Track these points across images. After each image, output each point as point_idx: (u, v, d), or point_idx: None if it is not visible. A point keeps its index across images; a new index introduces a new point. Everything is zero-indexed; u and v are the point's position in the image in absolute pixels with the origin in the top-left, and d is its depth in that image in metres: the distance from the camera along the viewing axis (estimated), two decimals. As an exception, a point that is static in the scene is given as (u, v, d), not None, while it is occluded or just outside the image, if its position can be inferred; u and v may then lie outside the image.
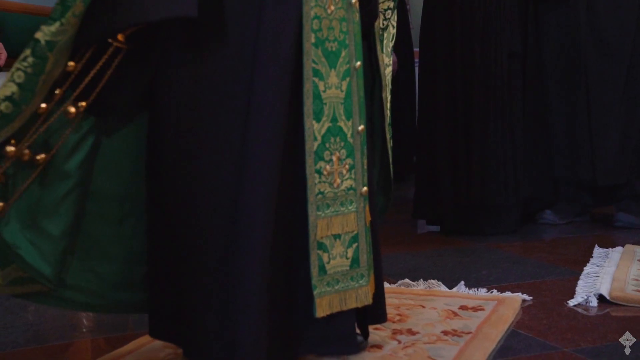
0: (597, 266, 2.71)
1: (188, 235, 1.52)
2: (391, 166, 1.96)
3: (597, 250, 2.97)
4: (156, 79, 1.52)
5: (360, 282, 1.69)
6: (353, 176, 1.67)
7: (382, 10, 1.82)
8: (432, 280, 2.52)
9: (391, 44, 1.89)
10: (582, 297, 2.29)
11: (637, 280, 2.49)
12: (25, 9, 3.36)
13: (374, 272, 1.75)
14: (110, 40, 1.44)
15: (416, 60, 5.27)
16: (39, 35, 1.37)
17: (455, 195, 3.49)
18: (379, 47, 1.83)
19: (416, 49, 4.95)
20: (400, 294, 2.35)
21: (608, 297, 2.29)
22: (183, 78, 1.51)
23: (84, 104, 1.45)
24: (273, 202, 1.52)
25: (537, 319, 2.13)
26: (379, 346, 1.85)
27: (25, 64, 1.36)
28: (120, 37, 1.44)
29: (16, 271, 1.50)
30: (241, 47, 1.52)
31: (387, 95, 1.87)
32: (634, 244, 3.11)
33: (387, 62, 1.88)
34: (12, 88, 1.36)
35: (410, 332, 1.96)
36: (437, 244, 3.32)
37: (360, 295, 1.69)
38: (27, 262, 1.47)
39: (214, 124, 1.52)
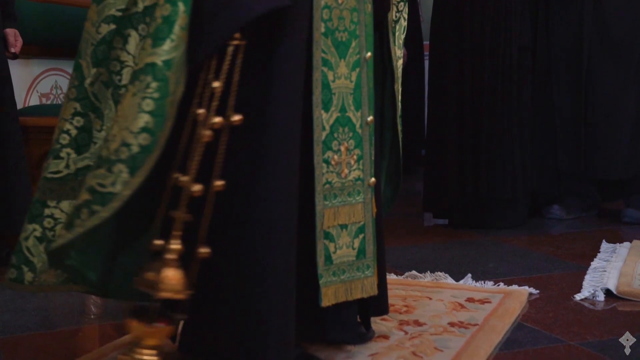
0: (605, 261, 2.70)
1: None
2: (401, 159, 1.96)
3: (605, 245, 2.97)
4: None
5: (366, 272, 1.69)
6: (361, 167, 1.67)
7: (395, 2, 1.82)
8: (439, 273, 2.52)
9: (403, 36, 1.89)
10: (589, 292, 2.30)
11: (644, 275, 2.49)
12: (39, -3, 3.38)
13: (378, 263, 1.76)
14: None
15: (426, 53, 5.27)
16: (152, 58, 1.34)
17: (463, 188, 3.49)
18: (391, 39, 1.83)
19: (426, 42, 4.95)
20: (407, 286, 2.35)
21: (615, 292, 2.29)
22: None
23: (237, 117, 1.43)
24: (293, 197, 1.51)
25: (544, 312, 2.13)
26: (385, 336, 1.85)
27: (149, 90, 1.34)
28: (236, 34, 1.43)
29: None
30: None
31: (399, 88, 1.86)
32: (641, 239, 3.11)
33: (399, 55, 1.88)
34: (144, 118, 1.33)
35: (417, 323, 1.97)
36: (444, 236, 3.33)
37: (366, 286, 1.69)
38: (75, 269, 1.50)
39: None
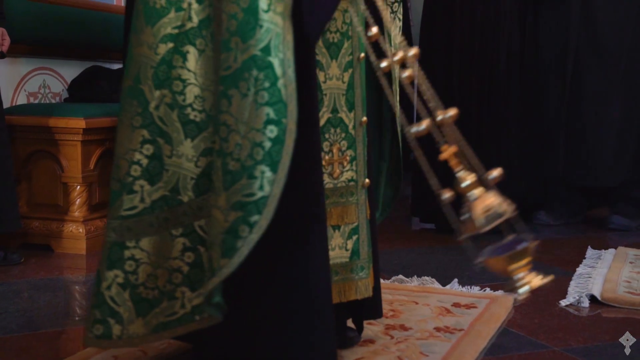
0: (590, 267, 2.72)
1: None
2: (401, 160, 1.95)
3: (590, 252, 2.99)
4: None
5: (360, 274, 1.68)
6: (354, 168, 1.66)
7: (390, 3, 1.82)
8: (425, 277, 2.53)
9: (399, 37, 1.89)
10: (574, 298, 2.31)
11: (628, 282, 2.51)
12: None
13: (373, 265, 1.76)
14: None
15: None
16: (249, 52, 1.32)
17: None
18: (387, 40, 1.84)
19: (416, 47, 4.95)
20: (394, 290, 2.36)
21: (600, 298, 2.30)
22: None
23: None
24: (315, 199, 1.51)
25: (529, 317, 2.14)
26: (371, 341, 1.85)
27: (259, 82, 1.31)
28: None
29: (160, 316, 1.47)
30: None
31: (397, 88, 1.86)
32: (626, 246, 3.12)
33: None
34: (265, 110, 1.30)
35: (403, 327, 1.97)
36: (431, 241, 3.33)
37: (360, 288, 1.69)
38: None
39: None
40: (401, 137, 1.91)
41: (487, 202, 1.40)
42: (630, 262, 2.80)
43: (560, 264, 2.83)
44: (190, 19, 1.44)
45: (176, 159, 1.45)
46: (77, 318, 2.14)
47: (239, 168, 1.31)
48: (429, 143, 3.72)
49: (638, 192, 3.73)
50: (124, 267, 1.46)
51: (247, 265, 1.35)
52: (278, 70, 1.32)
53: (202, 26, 1.44)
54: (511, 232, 1.43)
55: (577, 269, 2.70)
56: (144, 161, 1.45)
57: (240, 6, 1.33)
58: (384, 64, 1.51)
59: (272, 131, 1.30)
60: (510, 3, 3.49)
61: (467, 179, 1.42)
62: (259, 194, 1.29)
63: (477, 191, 1.40)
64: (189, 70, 1.44)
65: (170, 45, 1.44)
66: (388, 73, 1.86)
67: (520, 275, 1.41)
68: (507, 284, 1.43)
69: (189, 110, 1.44)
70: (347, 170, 1.65)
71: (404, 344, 1.84)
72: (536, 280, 1.40)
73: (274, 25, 1.33)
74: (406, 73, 1.50)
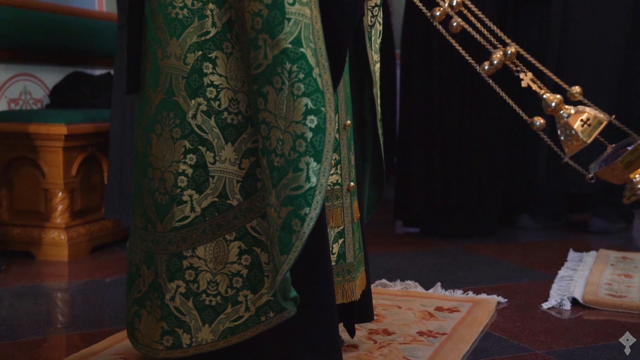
0: (572, 270, 2.74)
1: None
2: (383, 162, 1.96)
3: (572, 255, 3.01)
4: None
5: (347, 277, 1.68)
6: (339, 171, 1.66)
7: (370, 7, 1.83)
8: (408, 281, 2.53)
9: (379, 41, 1.90)
10: (556, 301, 2.32)
11: (610, 284, 2.53)
12: (6, 1, 3.34)
13: (365, 268, 1.76)
14: None
15: (398, 62, 5.30)
16: (280, 47, 1.34)
17: (433, 197, 3.51)
18: (367, 44, 1.84)
19: (398, 51, 4.98)
20: (377, 294, 2.36)
21: (581, 301, 2.32)
22: None
23: None
24: None
25: (511, 321, 2.15)
26: (355, 346, 1.85)
27: (293, 75, 1.33)
28: None
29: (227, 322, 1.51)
30: None
31: (377, 92, 1.87)
32: (608, 248, 3.15)
33: (376, 59, 1.89)
34: (302, 102, 1.33)
35: (386, 332, 1.97)
36: (415, 245, 3.34)
37: (347, 291, 1.68)
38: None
39: None
40: (382, 140, 1.92)
41: (583, 115, 1.40)
42: (612, 265, 2.82)
43: (542, 267, 2.85)
44: (214, 24, 1.46)
45: (220, 164, 1.48)
46: (59, 326, 2.13)
47: (283, 163, 1.34)
48: (429, 143, 3.73)
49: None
50: (184, 276, 1.50)
51: None
52: (312, 60, 1.34)
53: (226, 29, 1.46)
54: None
55: (559, 271, 2.72)
56: (189, 171, 1.48)
57: (264, 3, 1.35)
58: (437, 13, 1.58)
59: (312, 121, 1.33)
60: (490, 6, 3.51)
61: (554, 100, 1.41)
62: (307, 186, 1.32)
63: (568, 109, 1.40)
64: (220, 76, 1.47)
65: (199, 53, 1.47)
66: (370, 76, 1.87)
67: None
68: (627, 190, 1.42)
69: (225, 114, 1.48)
70: (332, 174, 1.65)
71: (387, 349, 1.84)
72: None
73: (302, 16, 1.35)
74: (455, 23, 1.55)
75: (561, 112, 1.44)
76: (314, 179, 1.33)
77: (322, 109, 1.33)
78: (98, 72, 3.89)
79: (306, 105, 1.33)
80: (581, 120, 1.44)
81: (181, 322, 1.51)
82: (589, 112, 1.43)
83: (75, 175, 3.06)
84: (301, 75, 1.33)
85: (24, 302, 2.33)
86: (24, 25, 3.43)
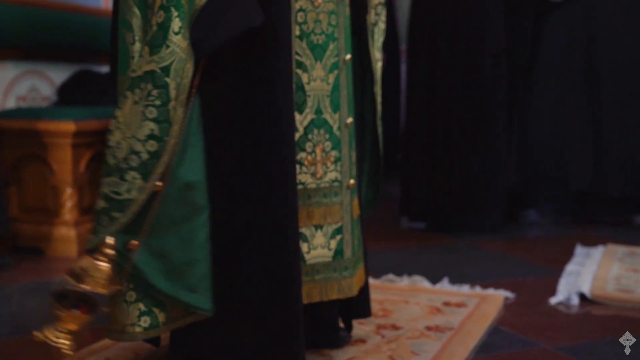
0: (579, 265, 2.74)
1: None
2: (381, 160, 1.97)
3: (579, 249, 3.01)
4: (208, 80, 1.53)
5: (344, 273, 1.69)
6: (339, 168, 1.67)
7: (373, 5, 1.84)
8: (416, 276, 2.54)
9: (382, 39, 1.91)
10: (564, 295, 2.32)
11: (618, 279, 2.53)
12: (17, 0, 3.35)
13: (364, 265, 1.77)
14: None
15: (402, 57, 5.30)
16: (151, 66, 1.40)
17: (440, 192, 3.51)
18: (370, 42, 1.85)
19: (403, 47, 4.97)
20: (385, 290, 2.37)
21: (589, 296, 2.32)
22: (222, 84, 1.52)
23: None
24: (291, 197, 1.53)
25: (519, 316, 2.15)
26: (362, 340, 1.86)
27: (151, 98, 1.40)
28: None
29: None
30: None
31: (378, 90, 1.88)
32: (615, 243, 3.14)
33: (378, 57, 1.90)
34: (150, 125, 1.41)
35: (394, 327, 1.98)
36: (421, 240, 3.35)
37: (343, 287, 1.69)
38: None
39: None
40: (382, 139, 1.92)
41: (90, 266, 1.44)
42: (620, 260, 2.82)
43: (549, 263, 2.85)
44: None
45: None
46: (68, 321, 2.13)
47: (114, 165, 1.42)
48: (434, 138, 3.74)
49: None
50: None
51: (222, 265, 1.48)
52: (172, 93, 1.41)
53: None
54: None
55: (566, 266, 2.72)
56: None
57: (157, 20, 1.41)
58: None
59: (152, 146, 1.41)
60: (493, 2, 3.51)
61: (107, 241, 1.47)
62: (125, 196, 1.41)
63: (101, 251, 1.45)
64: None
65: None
66: (371, 74, 1.87)
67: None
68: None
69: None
70: (331, 171, 1.65)
71: (395, 344, 1.85)
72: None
73: (179, 49, 1.41)
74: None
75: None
76: (134, 194, 1.41)
77: (166, 138, 1.41)
78: (105, 69, 3.90)
79: (152, 130, 1.41)
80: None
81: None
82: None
83: (84, 171, 3.08)
84: (158, 102, 1.40)
85: (33, 298, 2.35)
86: (32, 23, 3.44)
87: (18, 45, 3.41)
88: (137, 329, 1.49)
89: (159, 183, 1.43)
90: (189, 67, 1.42)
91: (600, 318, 2.17)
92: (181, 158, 1.45)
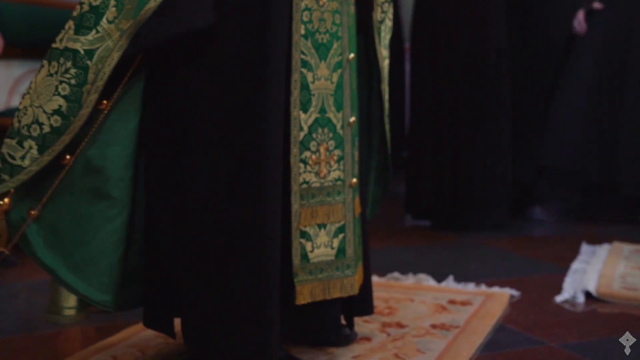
0: (585, 263, 2.73)
1: (190, 225, 1.53)
2: (389, 158, 1.97)
3: (585, 247, 3.00)
4: (163, 80, 1.55)
5: (346, 272, 1.69)
6: (342, 167, 1.67)
7: (380, 3, 1.83)
8: (421, 274, 2.54)
9: (388, 37, 1.90)
10: (569, 293, 2.32)
11: (623, 277, 2.52)
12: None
13: (363, 263, 1.76)
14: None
15: (406, 55, 5.29)
16: (75, 45, 1.40)
17: (445, 190, 3.51)
18: (377, 40, 1.84)
19: (407, 44, 4.96)
20: (390, 288, 2.37)
21: (595, 294, 2.32)
22: (185, 78, 1.53)
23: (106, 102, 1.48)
24: (277, 194, 1.54)
25: (524, 314, 2.15)
26: (368, 338, 1.86)
27: (68, 75, 1.40)
28: None
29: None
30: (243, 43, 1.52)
31: (385, 87, 1.87)
32: (621, 241, 3.14)
33: (384, 55, 1.89)
34: (59, 101, 1.41)
35: (399, 325, 1.98)
36: (426, 238, 3.34)
37: (346, 285, 1.69)
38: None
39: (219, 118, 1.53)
40: (389, 136, 1.92)
41: None
42: (626, 258, 2.82)
43: (555, 260, 2.84)
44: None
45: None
46: (74, 319, 2.14)
47: (17, 129, 1.42)
48: (439, 135, 3.75)
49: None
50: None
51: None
52: (90, 77, 1.41)
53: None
54: None
55: (571, 264, 2.71)
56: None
57: (92, 1, 1.41)
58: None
59: (57, 121, 1.42)
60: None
61: None
62: (18, 163, 1.42)
63: None
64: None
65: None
66: (378, 72, 1.87)
67: None
68: None
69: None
70: (334, 170, 1.66)
71: (401, 342, 1.84)
72: None
73: (109, 37, 1.41)
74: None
75: None
76: (27, 162, 1.42)
77: (72, 118, 1.42)
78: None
79: (60, 106, 1.41)
80: None
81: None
82: None
83: (89, 170, 3.08)
84: (73, 82, 1.41)
85: (39, 296, 2.35)
86: (36, 22, 3.45)
87: (22, 44, 3.41)
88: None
89: (67, 156, 1.45)
90: (114, 57, 1.41)
91: (606, 316, 2.16)
92: (94, 140, 1.47)
